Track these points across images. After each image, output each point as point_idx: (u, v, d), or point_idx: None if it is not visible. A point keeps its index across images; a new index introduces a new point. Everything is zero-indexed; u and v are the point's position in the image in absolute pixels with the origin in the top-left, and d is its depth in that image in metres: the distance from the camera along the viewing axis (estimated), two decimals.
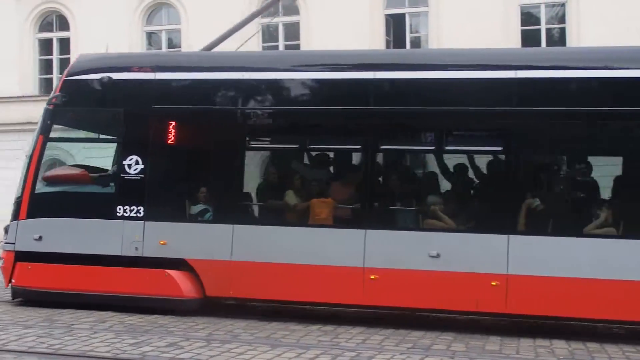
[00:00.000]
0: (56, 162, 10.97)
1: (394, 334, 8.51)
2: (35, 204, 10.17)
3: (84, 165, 11.11)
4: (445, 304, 9.18)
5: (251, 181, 10.30)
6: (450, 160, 9.79)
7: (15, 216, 10.27)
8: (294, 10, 19.75)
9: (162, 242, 9.77)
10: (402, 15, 19.73)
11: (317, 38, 18.53)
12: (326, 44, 16.61)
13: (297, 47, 18.88)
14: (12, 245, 10.18)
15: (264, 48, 18.94)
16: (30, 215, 10.14)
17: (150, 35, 20.32)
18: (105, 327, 8.49)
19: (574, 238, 8.96)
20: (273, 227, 9.78)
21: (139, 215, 9.80)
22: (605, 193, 9.37)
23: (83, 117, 10.78)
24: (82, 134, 11.87)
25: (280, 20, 19.62)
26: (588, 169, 9.41)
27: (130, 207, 9.83)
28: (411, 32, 19.70)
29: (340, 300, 9.41)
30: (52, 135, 10.42)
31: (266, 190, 10.22)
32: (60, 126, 10.62)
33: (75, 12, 20.31)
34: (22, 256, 10.14)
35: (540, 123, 9.25)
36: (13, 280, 10.19)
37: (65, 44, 20.85)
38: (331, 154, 10.41)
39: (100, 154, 11.13)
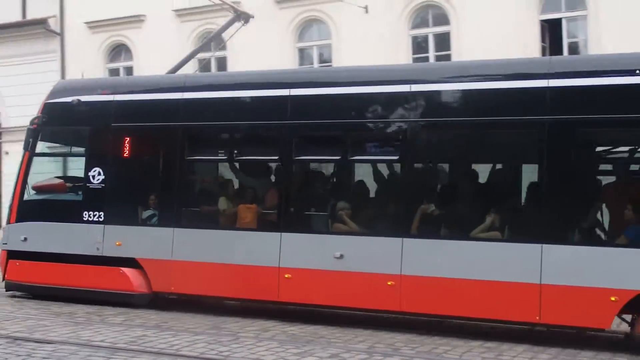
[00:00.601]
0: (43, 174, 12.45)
1: (562, 354, 8.39)
2: (22, 210, 12.08)
3: (66, 176, 13.06)
4: (349, 302, 9.98)
5: (189, 189, 11.59)
6: (355, 169, 10.86)
7: (8, 220, 12.28)
8: (444, 20, 19.20)
9: (117, 243, 11.36)
10: (559, 20, 18.37)
11: (467, 47, 17.92)
12: (477, 54, 15.99)
13: (448, 57, 18.45)
14: (6, 245, 12.16)
15: (414, 60, 18.87)
16: (18, 219, 12.05)
17: (301, 52, 20.99)
18: (269, 336, 8.96)
19: (461, 241, 9.47)
20: (206, 230, 11.03)
21: (100, 219, 11.48)
22: (491, 199, 9.82)
23: (60, 135, 12.64)
24: (60, 149, 13.65)
25: (431, 30, 19.38)
26: (475, 176, 10.05)
27: (93, 212, 11.49)
28: (569, 37, 18.39)
29: (260, 297, 10.50)
30: (37, 151, 12.20)
31: (201, 197, 11.56)
32: (42, 143, 12.29)
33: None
34: (12, 254, 12.02)
35: (431, 133, 9.96)
36: (5, 275, 12.19)
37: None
38: (254, 164, 11.42)
39: (77, 167, 12.63)
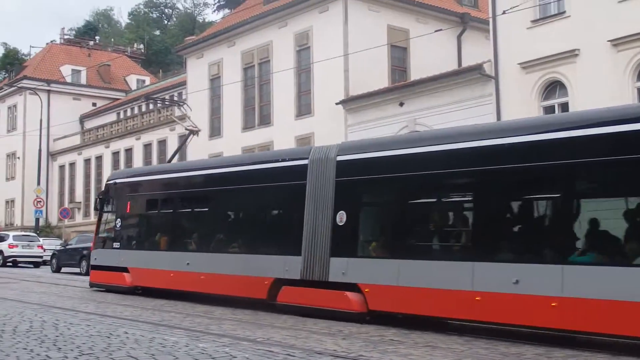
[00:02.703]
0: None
1: None
2: (96, 243, 20.71)
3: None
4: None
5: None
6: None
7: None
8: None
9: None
10: None
11: None
12: None
13: None
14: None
15: None
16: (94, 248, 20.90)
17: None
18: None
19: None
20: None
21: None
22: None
23: (112, 202, 20.20)
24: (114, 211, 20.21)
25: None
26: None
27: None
28: None
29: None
30: (104, 211, 20.55)
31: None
32: (105, 207, 20.46)
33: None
34: (94, 267, 20.42)
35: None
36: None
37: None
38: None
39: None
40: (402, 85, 28.13)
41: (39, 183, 46.27)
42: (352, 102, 28.96)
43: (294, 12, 32.36)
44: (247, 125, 34.90)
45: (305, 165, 14.01)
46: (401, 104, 26.78)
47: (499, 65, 23.84)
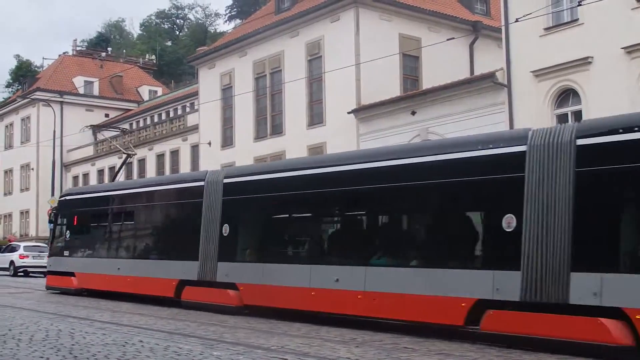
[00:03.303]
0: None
1: None
2: (51, 251, 24.20)
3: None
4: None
5: None
6: None
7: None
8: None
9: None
10: None
11: None
12: None
13: None
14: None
15: None
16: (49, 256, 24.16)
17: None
18: None
19: None
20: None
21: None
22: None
23: (63, 216, 23.31)
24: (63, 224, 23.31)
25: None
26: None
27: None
28: None
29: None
30: (57, 224, 23.73)
31: None
32: (58, 220, 23.62)
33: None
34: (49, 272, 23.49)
35: None
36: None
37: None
38: None
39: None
40: (414, 94, 28.15)
41: (53, 194, 46.41)
42: (363, 112, 29.00)
43: (306, 22, 32.47)
44: (259, 135, 34.98)
45: (202, 187, 16.76)
46: (413, 113, 26.80)
47: (512, 74, 23.81)
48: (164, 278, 17.62)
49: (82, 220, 22.15)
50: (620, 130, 10.01)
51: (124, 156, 28.44)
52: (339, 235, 14.54)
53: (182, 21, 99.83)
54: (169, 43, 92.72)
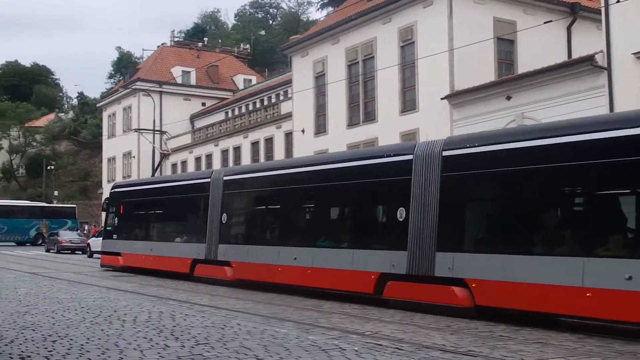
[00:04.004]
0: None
1: None
2: (104, 235, 28.21)
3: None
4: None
5: None
6: None
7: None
8: None
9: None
10: None
11: None
12: None
13: None
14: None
15: None
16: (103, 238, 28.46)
17: None
18: None
19: None
20: None
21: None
22: None
23: (112, 205, 27.09)
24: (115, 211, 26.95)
25: None
26: None
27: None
28: None
29: None
30: (109, 212, 27.45)
31: None
32: (110, 209, 27.36)
33: None
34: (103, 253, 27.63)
35: None
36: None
37: None
38: None
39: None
40: (509, 78, 27.62)
41: None
42: (457, 97, 28.66)
43: (398, 8, 32.28)
44: (352, 122, 35.08)
45: (209, 183, 20.75)
46: (508, 98, 26.31)
47: (612, 56, 22.97)
48: (181, 257, 21.64)
49: (126, 209, 26.07)
50: (467, 145, 13.36)
51: (161, 156, 35.23)
52: (297, 223, 18.07)
53: (275, 10, 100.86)
54: (263, 32, 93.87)
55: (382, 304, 14.29)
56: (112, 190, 28.15)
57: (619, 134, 10.69)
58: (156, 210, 24.39)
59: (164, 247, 23.01)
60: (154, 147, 43.52)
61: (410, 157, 14.13)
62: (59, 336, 9.55)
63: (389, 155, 15.11)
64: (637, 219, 10.48)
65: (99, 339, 9.36)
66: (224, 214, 19.85)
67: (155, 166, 37.00)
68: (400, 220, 14.00)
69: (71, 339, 9.28)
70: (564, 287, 10.93)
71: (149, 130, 41.77)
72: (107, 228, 27.66)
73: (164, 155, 32.72)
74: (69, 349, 8.51)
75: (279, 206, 18.47)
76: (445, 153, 13.47)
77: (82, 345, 8.83)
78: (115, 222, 26.57)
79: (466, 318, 12.36)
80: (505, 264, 12.06)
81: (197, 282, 20.25)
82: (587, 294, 10.55)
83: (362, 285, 14.82)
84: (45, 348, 8.59)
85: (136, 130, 43.84)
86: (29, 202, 60.89)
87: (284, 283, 17.10)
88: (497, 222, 13.27)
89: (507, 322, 11.81)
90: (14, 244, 53.34)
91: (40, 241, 54.05)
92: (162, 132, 38.38)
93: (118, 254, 25.77)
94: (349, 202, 16.36)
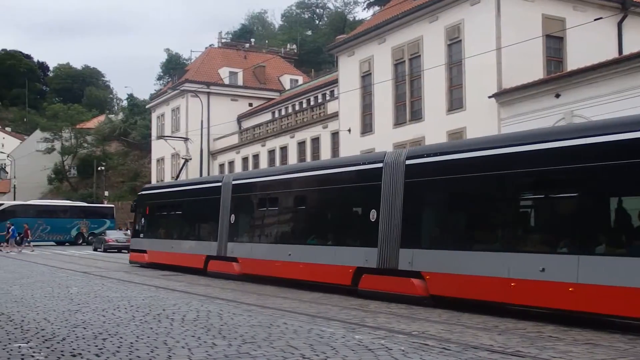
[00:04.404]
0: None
1: None
2: (133, 234, 31.35)
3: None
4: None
5: None
6: None
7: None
8: None
9: None
10: None
11: None
12: None
13: None
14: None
15: None
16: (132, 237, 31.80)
17: None
18: None
19: None
20: None
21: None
22: None
23: (140, 207, 29.65)
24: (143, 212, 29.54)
25: None
26: None
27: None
28: None
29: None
30: (137, 212, 30.13)
31: None
32: (137, 210, 30.08)
33: None
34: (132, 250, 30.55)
35: None
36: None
37: None
38: None
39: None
40: (558, 76, 27.21)
41: None
42: (505, 95, 28.35)
43: (445, 6, 32.05)
44: (398, 121, 34.95)
45: (220, 186, 22.97)
46: (557, 96, 25.93)
47: None
48: (197, 254, 23.75)
49: (151, 210, 28.69)
50: (425, 155, 15.40)
51: (183, 161, 37.38)
52: (290, 223, 20.11)
53: (321, 10, 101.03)
54: (309, 32, 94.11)
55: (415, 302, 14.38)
56: (140, 193, 31.10)
57: (530, 148, 12.81)
58: (176, 211, 26.84)
59: (179, 245, 25.64)
60: (201, 148, 43.99)
61: (380, 165, 16.21)
62: (109, 334, 9.72)
63: (364, 163, 17.29)
64: (547, 220, 12.90)
65: (148, 337, 9.51)
66: (232, 215, 22.16)
67: (178, 171, 40.03)
68: (372, 220, 16.07)
69: (121, 337, 9.44)
70: (495, 278, 12.84)
71: (174, 137, 43.44)
72: (135, 228, 30.51)
73: (187, 161, 36.64)
74: (118, 347, 8.66)
75: (276, 208, 20.41)
76: (408, 162, 15.45)
77: (131, 343, 8.98)
78: (142, 223, 29.33)
79: (422, 306, 14.21)
80: (451, 259, 14.04)
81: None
82: (512, 284, 12.50)
83: (342, 278, 16.78)
84: (96, 346, 8.75)
85: (160, 137, 45.56)
86: (69, 202, 61.98)
87: (274, 276, 19.24)
88: (446, 222, 15.19)
89: (556, 323, 11.66)
90: (53, 243, 54.14)
91: (81, 241, 55.04)
92: (185, 139, 39.95)
93: (144, 251, 28.53)
94: (331, 205, 18.40)
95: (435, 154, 15.09)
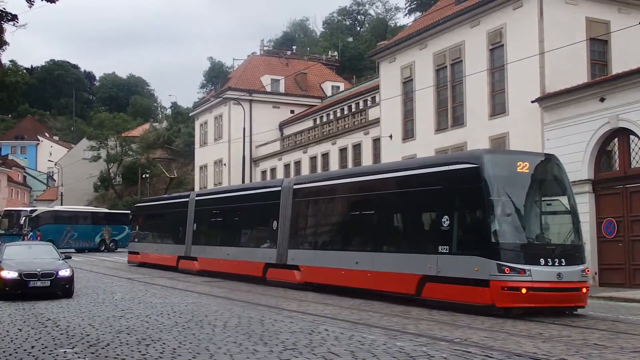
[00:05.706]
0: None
1: None
2: (131, 240, 38.98)
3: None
4: None
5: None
6: None
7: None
8: None
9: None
10: None
11: None
12: None
13: None
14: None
15: None
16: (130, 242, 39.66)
17: None
18: None
19: None
20: None
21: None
22: None
23: (136, 216, 38.91)
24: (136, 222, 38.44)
25: None
26: None
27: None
28: None
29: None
30: (134, 224, 38.99)
31: None
32: (134, 220, 39.30)
33: None
34: (130, 252, 38.10)
35: None
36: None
37: None
38: None
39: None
40: (602, 79, 26.75)
41: None
42: (548, 100, 27.96)
43: (487, 11, 31.77)
44: (440, 127, 34.70)
45: (187, 202, 30.07)
46: (602, 100, 25.48)
47: None
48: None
49: (143, 220, 36.17)
50: (302, 182, 23.21)
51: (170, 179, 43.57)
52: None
53: (363, 17, 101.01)
54: (351, 39, 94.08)
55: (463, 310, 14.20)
56: (136, 205, 38.84)
57: (354, 180, 20.47)
58: (158, 222, 33.38)
59: (160, 247, 31.88)
60: (244, 155, 44.12)
61: (279, 188, 23.33)
62: (152, 340, 9.83)
63: (271, 187, 24.64)
64: (359, 230, 19.47)
65: (190, 343, 9.59)
66: (194, 223, 27.90)
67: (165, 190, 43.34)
68: (275, 228, 22.79)
69: (164, 343, 9.53)
70: (336, 269, 19.25)
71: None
72: (133, 234, 37.45)
73: (171, 179, 40.80)
74: (161, 353, 8.75)
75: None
76: (294, 186, 22.51)
77: (174, 349, 9.06)
78: (137, 230, 36.56)
79: (297, 290, 20.33)
80: (316, 256, 20.61)
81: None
82: (342, 272, 19.00)
83: (255, 271, 23.33)
84: (139, 351, 8.85)
85: (166, 146, 48.10)
86: (92, 208, 62.17)
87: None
88: (312, 230, 21.92)
89: (603, 330, 11.46)
90: (73, 250, 50.44)
91: (103, 247, 54.85)
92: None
93: (137, 253, 35.51)
94: (249, 218, 25.91)
95: (308, 182, 22.90)
